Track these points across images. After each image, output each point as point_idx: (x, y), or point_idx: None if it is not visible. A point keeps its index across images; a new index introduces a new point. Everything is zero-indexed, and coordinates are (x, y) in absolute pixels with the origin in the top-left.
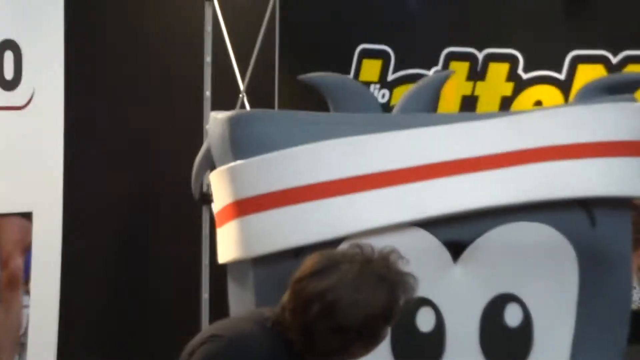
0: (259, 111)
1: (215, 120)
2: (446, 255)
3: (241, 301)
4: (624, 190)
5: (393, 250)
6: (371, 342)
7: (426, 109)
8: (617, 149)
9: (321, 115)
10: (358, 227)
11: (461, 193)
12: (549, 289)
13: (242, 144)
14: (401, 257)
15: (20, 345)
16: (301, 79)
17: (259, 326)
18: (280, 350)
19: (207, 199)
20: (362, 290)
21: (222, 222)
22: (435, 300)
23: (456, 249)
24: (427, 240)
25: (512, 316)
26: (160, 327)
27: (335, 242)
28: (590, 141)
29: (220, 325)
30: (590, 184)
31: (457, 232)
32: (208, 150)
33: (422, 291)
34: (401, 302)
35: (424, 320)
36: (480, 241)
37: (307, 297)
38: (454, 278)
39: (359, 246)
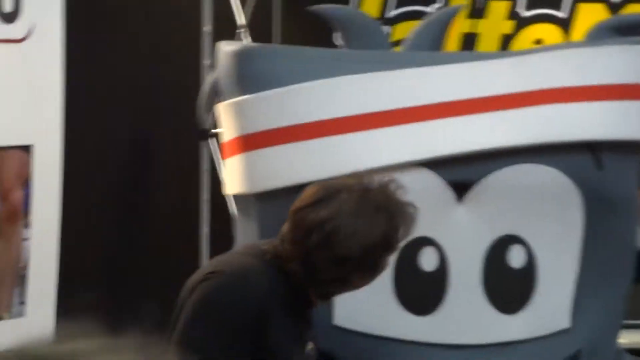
0: (268, 46)
1: (223, 53)
2: (450, 195)
3: (246, 234)
4: (632, 133)
5: (392, 180)
6: (371, 272)
7: (434, 45)
8: (626, 92)
9: (330, 51)
10: (362, 165)
11: (467, 133)
12: (553, 231)
13: (249, 79)
14: (400, 186)
15: (20, 277)
16: (311, 11)
17: (258, 260)
18: (280, 283)
19: (206, 134)
20: (361, 219)
21: (229, 155)
22: (438, 239)
23: (461, 190)
24: (432, 180)
25: (516, 257)
26: (161, 260)
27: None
28: (599, 84)
29: (219, 261)
30: (598, 126)
31: (462, 172)
32: (216, 82)
33: (425, 230)
34: (400, 231)
35: (427, 260)
36: (485, 182)
37: (306, 227)
38: (457, 218)
39: (359, 176)
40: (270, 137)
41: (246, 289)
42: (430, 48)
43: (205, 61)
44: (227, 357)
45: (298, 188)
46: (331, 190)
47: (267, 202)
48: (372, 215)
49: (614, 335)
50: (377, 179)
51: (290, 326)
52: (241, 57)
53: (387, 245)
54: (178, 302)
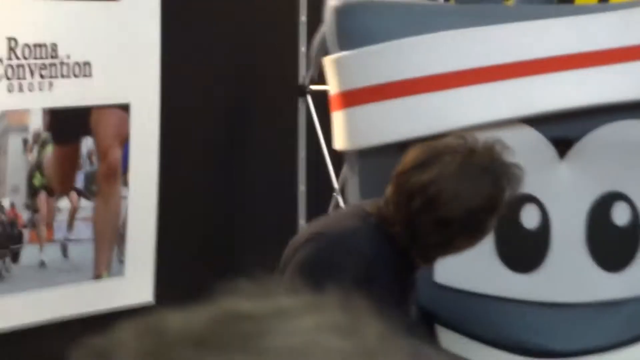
0: (368, 1)
1: (328, 8)
2: (552, 152)
3: (351, 189)
4: None
5: (497, 141)
6: (476, 235)
7: None
8: None
9: (432, 5)
10: (463, 122)
11: (569, 89)
12: None
13: (347, 36)
14: (506, 147)
15: (119, 236)
16: None
17: (361, 222)
18: (385, 246)
19: (304, 91)
20: (464, 182)
21: (334, 110)
22: (540, 197)
23: (563, 147)
24: (533, 137)
25: (620, 214)
26: (258, 218)
27: (440, 137)
28: None
29: (322, 222)
30: None
31: (564, 128)
32: (324, 37)
33: (526, 188)
34: (506, 193)
35: (529, 218)
36: (588, 138)
37: (409, 191)
38: (560, 175)
39: (462, 137)
40: (370, 94)
41: (349, 251)
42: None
43: (302, 17)
44: None
45: (399, 145)
46: (434, 153)
47: (367, 158)
48: (477, 177)
49: None
50: (482, 139)
51: (394, 289)
52: (340, 13)
53: (492, 208)
54: (280, 263)
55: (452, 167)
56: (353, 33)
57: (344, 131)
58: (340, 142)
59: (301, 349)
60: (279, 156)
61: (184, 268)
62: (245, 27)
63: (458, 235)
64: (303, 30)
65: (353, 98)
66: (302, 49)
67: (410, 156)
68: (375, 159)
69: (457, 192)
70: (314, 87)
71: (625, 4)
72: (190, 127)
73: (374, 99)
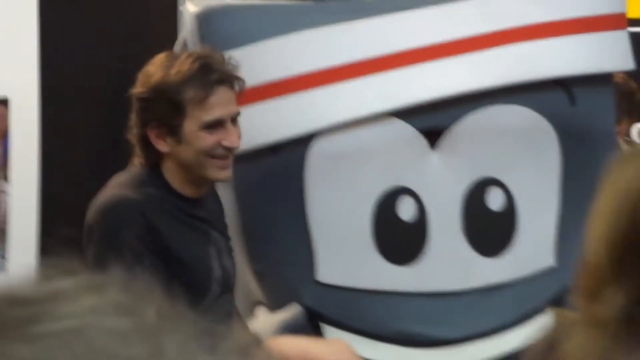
0: (227, 5)
1: (188, 14)
2: (423, 142)
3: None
4: (603, 65)
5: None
6: None
7: None
8: (593, 24)
9: (290, 6)
10: (334, 119)
11: (435, 79)
12: (531, 171)
13: (210, 41)
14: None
15: (1, 231)
16: None
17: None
18: (153, 190)
19: None
20: None
21: None
22: (415, 188)
23: (433, 136)
24: (403, 129)
25: (495, 200)
26: None
27: (311, 136)
28: (565, 18)
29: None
30: (568, 62)
31: (433, 119)
32: (184, 43)
33: (401, 180)
34: None
35: (405, 209)
36: (456, 127)
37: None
38: (432, 165)
39: None
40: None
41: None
42: None
43: (180, 7)
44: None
45: (271, 148)
46: None
47: (241, 163)
48: None
49: None
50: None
51: (183, 229)
52: (202, 19)
53: None
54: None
55: None
56: (216, 38)
57: None
58: None
59: (78, 331)
60: None
61: (65, 263)
62: (125, 20)
63: None
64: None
65: None
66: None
67: None
68: (248, 163)
69: None
70: None
71: None
72: (71, 121)
73: (244, 102)
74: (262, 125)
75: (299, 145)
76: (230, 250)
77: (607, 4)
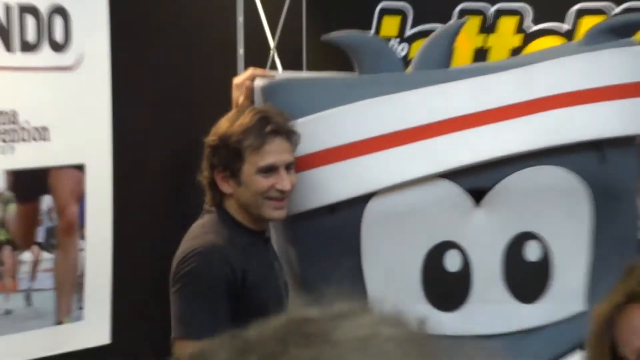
0: (289, 79)
1: (255, 88)
2: (469, 201)
3: (285, 254)
4: (631, 129)
5: None
6: None
7: (441, 61)
8: (623, 91)
9: (346, 78)
10: (388, 181)
11: (480, 144)
12: (564, 224)
13: None
14: None
15: (78, 285)
16: (325, 40)
17: (218, 227)
18: (235, 231)
19: None
20: None
21: None
22: (460, 242)
23: (478, 195)
24: (451, 189)
25: (532, 252)
26: None
27: (367, 197)
28: (597, 86)
29: (194, 239)
30: (601, 126)
31: (478, 179)
32: None
33: (448, 235)
34: None
35: (452, 261)
36: (499, 186)
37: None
38: (476, 221)
39: None
40: (300, 163)
41: (221, 263)
42: (438, 64)
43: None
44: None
45: (330, 208)
46: None
47: (302, 222)
48: None
49: None
50: None
51: (258, 263)
52: (268, 92)
53: None
54: (170, 277)
55: None
56: (281, 109)
57: None
58: None
59: (367, 338)
60: None
61: (137, 312)
62: (189, 90)
63: None
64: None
65: None
66: None
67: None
68: (308, 223)
69: None
70: None
71: (524, 57)
72: (141, 184)
73: (306, 166)
74: (322, 187)
75: (356, 205)
76: (286, 280)
77: (633, 73)
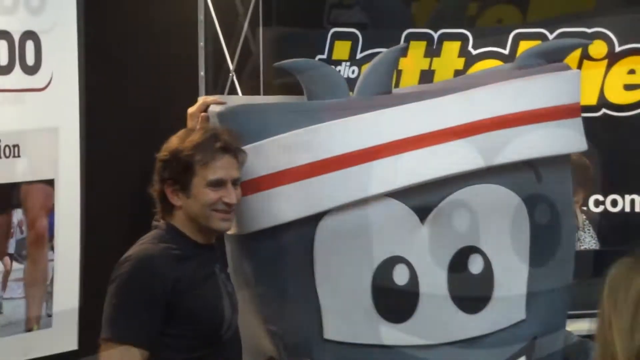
0: (243, 106)
1: (211, 113)
2: (414, 218)
3: (240, 269)
4: (564, 148)
5: None
6: None
7: (383, 83)
8: (557, 113)
9: (294, 104)
10: (338, 200)
11: (424, 165)
12: (505, 238)
13: None
14: None
15: (48, 294)
16: (276, 66)
17: (157, 239)
18: (179, 243)
19: None
20: None
21: None
22: (407, 257)
23: (423, 212)
24: (398, 207)
25: (475, 265)
26: None
27: (319, 215)
28: (533, 108)
29: (136, 247)
30: (536, 146)
31: (423, 198)
32: None
33: (396, 250)
34: None
35: (400, 275)
36: (443, 204)
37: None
38: (422, 237)
39: None
40: (249, 185)
41: (151, 275)
42: (379, 88)
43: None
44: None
45: (285, 226)
46: None
47: (257, 241)
48: None
49: (563, 320)
50: None
51: (197, 274)
52: (224, 117)
53: None
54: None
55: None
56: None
57: (239, 218)
58: (234, 228)
59: None
60: None
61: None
62: (153, 111)
63: None
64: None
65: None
66: None
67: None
68: (263, 240)
69: None
70: None
71: (458, 84)
72: (108, 198)
73: (259, 188)
74: (276, 207)
75: (309, 223)
76: (233, 289)
77: (566, 96)
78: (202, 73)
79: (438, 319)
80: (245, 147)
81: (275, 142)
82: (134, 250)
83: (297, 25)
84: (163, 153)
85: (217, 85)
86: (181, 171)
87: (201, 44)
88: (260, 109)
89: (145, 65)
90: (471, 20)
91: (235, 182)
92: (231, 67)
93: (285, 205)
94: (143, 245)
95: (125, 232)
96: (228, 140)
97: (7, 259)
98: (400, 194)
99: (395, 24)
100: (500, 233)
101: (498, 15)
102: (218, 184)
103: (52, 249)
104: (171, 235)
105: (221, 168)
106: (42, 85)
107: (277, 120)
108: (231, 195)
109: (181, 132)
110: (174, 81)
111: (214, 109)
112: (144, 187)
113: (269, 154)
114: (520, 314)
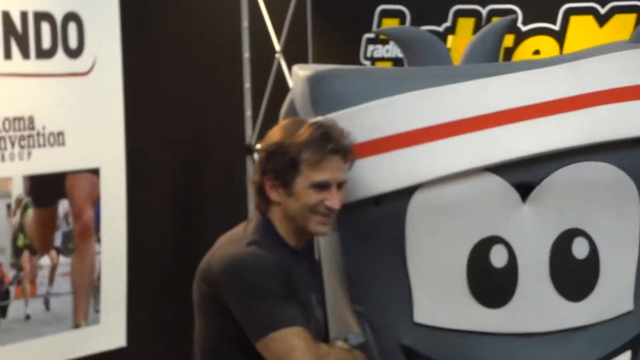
0: (336, 69)
1: (297, 77)
2: (515, 196)
3: (329, 245)
4: None
5: None
6: None
7: (490, 54)
8: None
9: (393, 69)
10: (433, 173)
11: (528, 138)
12: (612, 222)
13: (320, 102)
14: None
15: (95, 287)
16: (377, 32)
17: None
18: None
19: (250, 150)
20: None
21: None
22: (506, 237)
23: (525, 190)
24: (498, 183)
25: (579, 249)
26: None
27: (412, 189)
28: None
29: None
30: None
31: (525, 174)
32: (292, 103)
33: (494, 230)
34: None
35: (498, 257)
36: (546, 182)
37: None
38: (523, 217)
39: None
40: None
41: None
42: (486, 58)
43: (246, 84)
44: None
45: (374, 200)
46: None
47: (346, 214)
48: None
49: None
50: None
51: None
52: (313, 82)
53: None
54: (202, 274)
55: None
56: (326, 99)
57: None
58: None
59: None
60: (231, 208)
61: (152, 315)
62: (197, 92)
63: None
64: (248, 96)
65: None
66: (248, 113)
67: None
68: (353, 214)
69: None
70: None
71: (570, 55)
72: (153, 187)
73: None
74: (368, 178)
75: (401, 197)
76: (321, 317)
77: None
78: (246, 54)
79: (537, 305)
80: (337, 114)
81: (372, 108)
82: (239, 251)
83: (346, 3)
84: (267, 144)
85: (263, 68)
86: (285, 167)
87: (245, 23)
88: (357, 74)
89: (187, 48)
90: None
91: (340, 186)
92: (277, 47)
93: (378, 176)
94: (250, 248)
95: (173, 222)
96: (339, 140)
97: (53, 252)
98: (501, 169)
99: (443, 1)
100: (607, 215)
101: None
102: (323, 186)
103: (98, 241)
104: (266, 237)
105: (329, 170)
106: (85, 70)
107: (374, 85)
108: (334, 199)
109: (287, 124)
110: (217, 63)
111: (299, 71)
112: (191, 175)
113: (364, 121)
114: (627, 305)
